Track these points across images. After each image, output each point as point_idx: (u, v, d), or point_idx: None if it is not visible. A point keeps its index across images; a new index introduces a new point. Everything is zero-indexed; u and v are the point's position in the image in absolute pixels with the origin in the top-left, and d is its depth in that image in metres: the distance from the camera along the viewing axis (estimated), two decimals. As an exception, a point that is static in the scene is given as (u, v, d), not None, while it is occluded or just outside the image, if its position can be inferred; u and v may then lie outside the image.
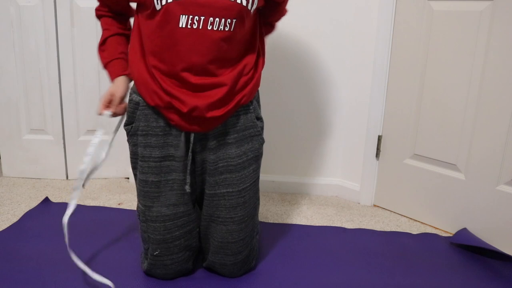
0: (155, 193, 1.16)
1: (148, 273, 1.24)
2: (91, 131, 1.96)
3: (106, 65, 1.19)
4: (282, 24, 1.75)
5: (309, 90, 1.81)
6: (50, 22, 1.82)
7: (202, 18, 1.03)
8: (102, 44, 1.20)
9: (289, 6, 1.71)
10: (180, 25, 1.03)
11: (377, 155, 1.76)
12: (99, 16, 1.23)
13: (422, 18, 1.54)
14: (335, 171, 1.89)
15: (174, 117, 1.11)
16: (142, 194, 1.18)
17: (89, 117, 1.95)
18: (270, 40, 1.77)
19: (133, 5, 1.19)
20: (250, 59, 1.14)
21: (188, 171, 1.15)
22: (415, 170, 1.65)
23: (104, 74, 1.90)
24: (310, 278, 1.26)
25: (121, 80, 1.18)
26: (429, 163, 1.62)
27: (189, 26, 1.03)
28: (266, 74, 1.80)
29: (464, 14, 1.44)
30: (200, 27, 1.03)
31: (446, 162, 1.57)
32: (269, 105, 1.84)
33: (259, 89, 1.80)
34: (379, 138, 1.74)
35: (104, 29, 1.21)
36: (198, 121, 1.11)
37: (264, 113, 1.85)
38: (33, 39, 1.84)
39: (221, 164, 1.15)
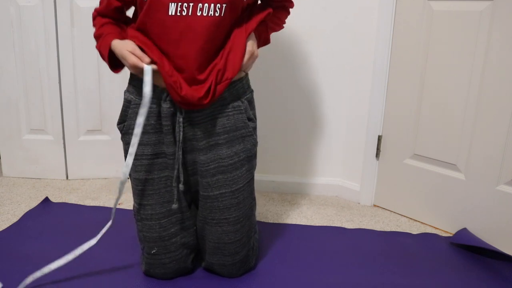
0: (149, 191, 1.16)
1: (148, 274, 1.24)
2: (91, 131, 1.96)
3: (97, 38, 1.13)
4: (282, 24, 1.75)
5: (309, 90, 1.81)
6: (50, 22, 1.82)
7: (191, 4, 1.03)
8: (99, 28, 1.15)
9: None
10: (170, 13, 1.03)
11: (377, 155, 1.76)
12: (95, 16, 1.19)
13: (422, 18, 1.54)
14: (335, 171, 1.89)
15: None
16: (136, 192, 1.19)
17: (89, 117, 1.95)
18: (271, 40, 1.76)
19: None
20: (237, 37, 1.12)
21: (178, 170, 1.14)
22: (415, 170, 1.65)
23: (104, 73, 1.90)
24: (310, 278, 1.26)
25: (120, 40, 1.10)
26: (429, 163, 1.62)
27: (178, 14, 1.03)
28: (267, 74, 1.80)
29: (464, 14, 1.44)
30: (190, 14, 1.03)
31: (446, 162, 1.57)
32: (269, 105, 1.84)
33: (255, 91, 1.81)
34: (379, 138, 1.74)
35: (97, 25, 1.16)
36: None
37: (264, 113, 1.85)
38: (33, 39, 1.84)
39: (212, 166, 1.15)
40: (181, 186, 1.15)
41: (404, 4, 1.58)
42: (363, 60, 1.72)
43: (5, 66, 1.87)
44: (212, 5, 1.03)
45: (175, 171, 1.14)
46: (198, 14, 1.03)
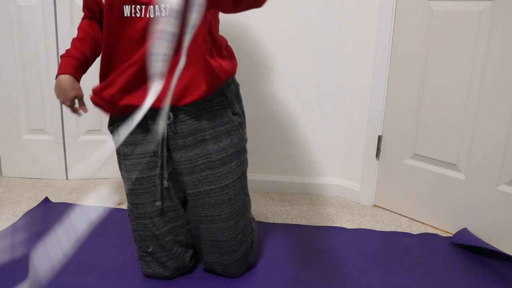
0: (140, 190, 1.17)
1: (147, 274, 1.24)
2: (91, 131, 1.96)
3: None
4: (284, 22, 1.75)
5: (309, 90, 1.81)
6: (50, 22, 1.82)
7: (143, 6, 1.04)
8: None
9: (289, 5, 1.71)
10: (125, 15, 1.05)
11: (377, 155, 1.76)
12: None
13: (422, 18, 1.54)
14: (335, 171, 1.89)
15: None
16: (128, 192, 1.19)
17: (89, 117, 1.95)
18: (272, 40, 1.77)
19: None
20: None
21: (164, 167, 1.16)
22: (415, 170, 1.65)
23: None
24: (310, 279, 1.26)
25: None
26: (429, 163, 1.62)
27: (133, 15, 1.05)
28: (266, 74, 1.80)
29: (464, 14, 1.44)
30: (142, 16, 1.05)
31: (446, 162, 1.57)
32: (269, 105, 1.84)
33: (254, 91, 1.81)
34: (379, 138, 1.74)
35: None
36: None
37: (264, 113, 1.85)
38: (33, 39, 1.84)
39: (201, 161, 1.15)
40: (165, 183, 1.16)
41: (404, 4, 1.58)
42: (363, 60, 1.72)
43: (5, 66, 1.87)
44: (157, 6, 1.04)
45: (158, 169, 1.16)
46: (148, 16, 1.04)
